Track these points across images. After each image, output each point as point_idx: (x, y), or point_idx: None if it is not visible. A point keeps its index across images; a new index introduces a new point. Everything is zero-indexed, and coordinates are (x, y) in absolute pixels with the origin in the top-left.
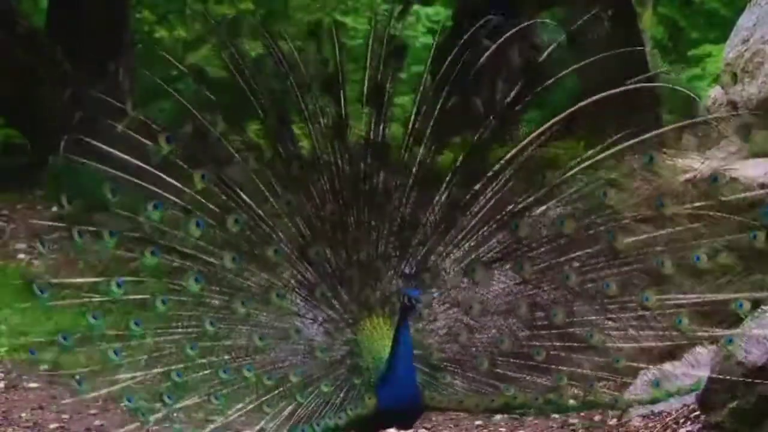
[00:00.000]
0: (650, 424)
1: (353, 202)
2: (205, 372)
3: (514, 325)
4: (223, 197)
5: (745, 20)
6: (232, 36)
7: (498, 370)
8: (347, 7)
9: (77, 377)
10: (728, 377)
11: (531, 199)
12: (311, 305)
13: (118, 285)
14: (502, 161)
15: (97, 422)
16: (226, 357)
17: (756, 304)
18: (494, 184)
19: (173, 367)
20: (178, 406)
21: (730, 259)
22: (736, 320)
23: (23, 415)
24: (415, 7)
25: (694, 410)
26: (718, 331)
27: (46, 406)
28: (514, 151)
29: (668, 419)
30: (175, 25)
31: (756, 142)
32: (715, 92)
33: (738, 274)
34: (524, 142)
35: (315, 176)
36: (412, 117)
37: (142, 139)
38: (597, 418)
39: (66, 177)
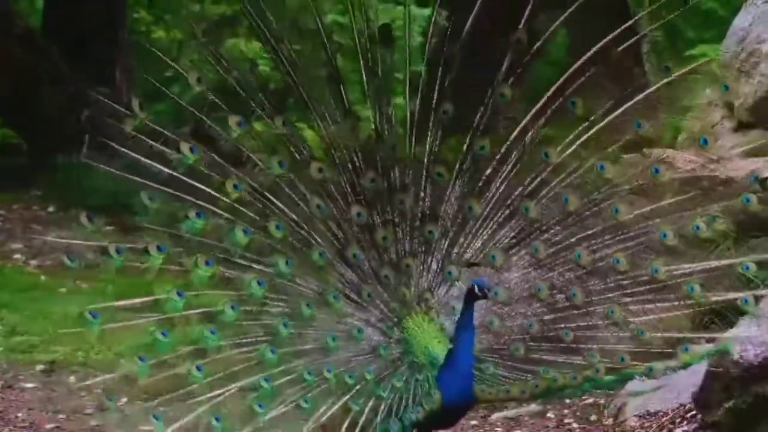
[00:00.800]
0: (646, 424)
1: (374, 200)
2: (290, 376)
3: (538, 309)
4: (259, 205)
5: (741, 20)
6: (223, 37)
7: (534, 355)
8: (345, 7)
9: (154, 412)
10: (724, 376)
11: (537, 180)
12: (362, 306)
13: (179, 295)
14: (507, 143)
15: (93, 422)
16: (304, 360)
17: (761, 265)
18: (504, 169)
19: (259, 375)
20: (270, 416)
21: (726, 225)
22: (746, 282)
23: (19, 415)
24: (411, 7)
25: (690, 410)
26: (730, 295)
27: (42, 407)
28: (517, 132)
29: (664, 419)
30: (172, 25)
31: (752, 142)
32: (710, 92)
33: (738, 239)
34: (525, 121)
35: (335, 177)
36: (416, 110)
37: (166, 149)
38: (593, 417)
39: (80, 182)
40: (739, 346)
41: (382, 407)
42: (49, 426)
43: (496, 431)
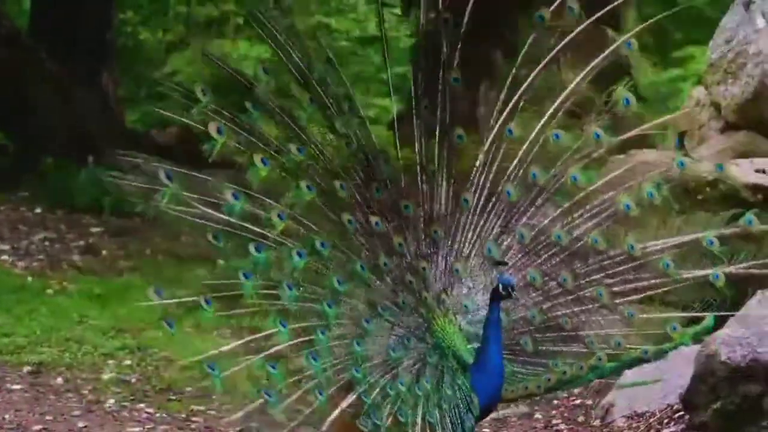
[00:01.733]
0: (634, 425)
1: (383, 209)
2: (377, 390)
3: (536, 298)
4: (301, 229)
5: (728, 21)
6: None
7: (541, 348)
8: (330, 8)
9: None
10: (711, 377)
11: (514, 162)
12: (401, 314)
13: (283, 325)
14: (494, 132)
15: (80, 424)
16: (380, 374)
17: (722, 240)
18: (480, 156)
19: (358, 392)
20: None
21: (667, 192)
22: (712, 258)
23: (6, 416)
24: (398, 10)
25: (678, 410)
26: (701, 272)
27: (29, 408)
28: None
29: (652, 420)
30: (158, 26)
31: (739, 142)
32: (698, 93)
33: (685, 212)
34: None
35: (348, 192)
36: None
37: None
38: (581, 418)
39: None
40: (727, 348)
41: (447, 419)
42: (36, 427)
43: (484, 431)
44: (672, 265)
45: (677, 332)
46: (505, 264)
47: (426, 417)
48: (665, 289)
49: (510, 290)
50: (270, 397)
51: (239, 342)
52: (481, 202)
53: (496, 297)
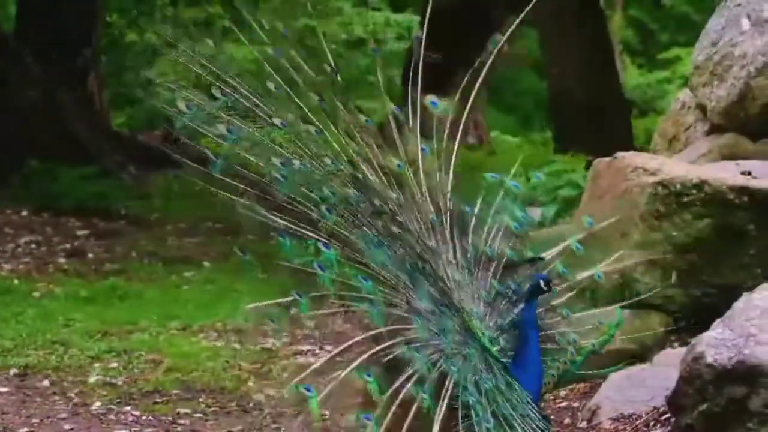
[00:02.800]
0: (620, 427)
1: (383, 214)
2: (474, 386)
3: (505, 305)
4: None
5: (713, 23)
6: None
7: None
8: (316, 12)
9: None
10: (698, 379)
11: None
12: (452, 314)
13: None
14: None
15: (66, 426)
16: (468, 373)
17: (582, 243)
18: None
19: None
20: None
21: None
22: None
23: None
24: (386, 13)
25: (664, 413)
26: (585, 273)
27: (16, 411)
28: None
29: (638, 422)
30: (146, 29)
31: (725, 145)
32: (683, 95)
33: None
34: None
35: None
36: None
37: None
38: (567, 420)
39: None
40: (713, 350)
41: (527, 410)
42: (22, 430)
43: None
44: (566, 271)
45: (603, 326)
46: (542, 259)
47: (512, 410)
48: (577, 290)
49: (549, 284)
50: (369, 420)
51: (332, 353)
52: (443, 217)
53: (533, 295)
